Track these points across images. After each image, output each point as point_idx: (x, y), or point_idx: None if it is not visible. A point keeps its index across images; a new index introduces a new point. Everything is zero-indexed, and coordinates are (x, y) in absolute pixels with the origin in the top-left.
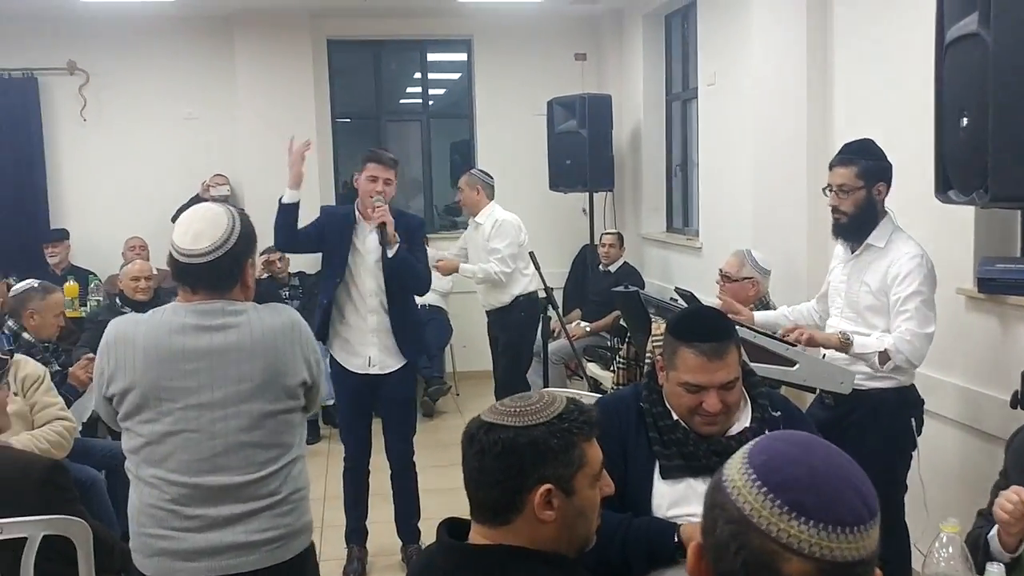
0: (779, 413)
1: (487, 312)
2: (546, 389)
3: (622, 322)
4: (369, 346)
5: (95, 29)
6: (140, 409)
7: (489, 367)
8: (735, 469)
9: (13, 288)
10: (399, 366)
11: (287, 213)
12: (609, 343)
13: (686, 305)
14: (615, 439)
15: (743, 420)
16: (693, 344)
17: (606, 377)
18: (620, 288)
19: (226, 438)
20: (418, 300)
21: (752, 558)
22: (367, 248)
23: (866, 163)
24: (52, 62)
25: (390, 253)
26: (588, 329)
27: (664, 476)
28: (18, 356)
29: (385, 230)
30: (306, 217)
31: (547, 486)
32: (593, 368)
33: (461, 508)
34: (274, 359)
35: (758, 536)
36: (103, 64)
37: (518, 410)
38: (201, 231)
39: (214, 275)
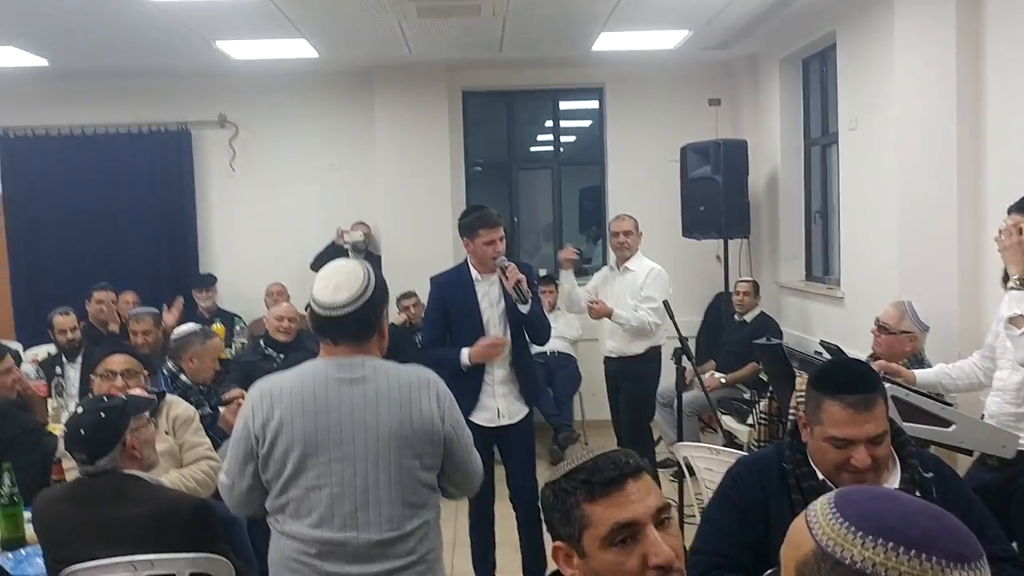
0: (931, 474)
1: (610, 360)
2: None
3: (762, 375)
4: (497, 398)
5: (244, 84)
6: (286, 464)
7: None
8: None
9: (174, 332)
10: (525, 413)
11: (455, 365)
12: (746, 396)
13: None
14: (756, 502)
15: (892, 481)
16: (839, 396)
17: (742, 431)
18: (762, 340)
19: (365, 493)
20: (546, 347)
21: None
22: (490, 303)
23: None
24: (204, 115)
25: (525, 310)
26: (723, 381)
27: None
28: (170, 396)
29: (520, 287)
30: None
31: (557, 544)
32: (728, 421)
33: None
34: (409, 411)
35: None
36: (251, 117)
37: (557, 467)
38: (341, 284)
39: (355, 326)
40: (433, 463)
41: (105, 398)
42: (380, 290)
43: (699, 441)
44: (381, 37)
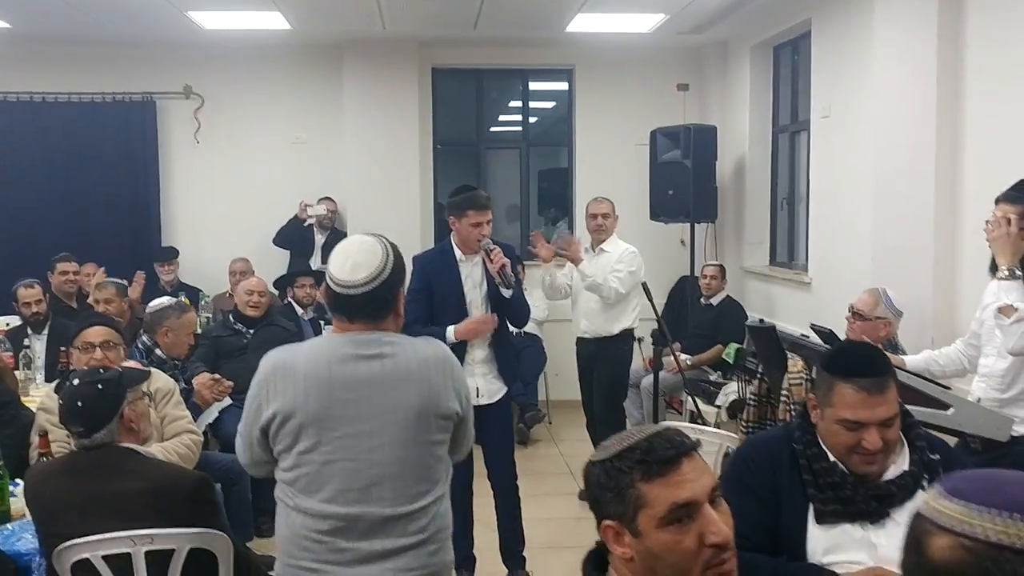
0: (937, 456)
1: (583, 341)
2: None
3: (725, 356)
4: (476, 377)
5: (211, 55)
6: (299, 439)
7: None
8: None
9: (150, 305)
10: (503, 393)
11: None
12: (712, 377)
13: (822, 342)
14: (766, 481)
15: (901, 463)
16: (852, 379)
17: (709, 412)
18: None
19: (381, 468)
20: (513, 327)
21: (910, 540)
22: (472, 284)
23: None
24: (170, 86)
25: (508, 294)
26: (690, 362)
27: (819, 521)
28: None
29: (505, 272)
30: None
31: (608, 523)
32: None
33: (562, 537)
34: (428, 389)
35: (918, 519)
36: (218, 89)
37: (604, 445)
38: (359, 263)
39: (371, 305)
40: (446, 438)
41: (101, 370)
42: (398, 269)
43: (664, 420)
44: (357, 10)
